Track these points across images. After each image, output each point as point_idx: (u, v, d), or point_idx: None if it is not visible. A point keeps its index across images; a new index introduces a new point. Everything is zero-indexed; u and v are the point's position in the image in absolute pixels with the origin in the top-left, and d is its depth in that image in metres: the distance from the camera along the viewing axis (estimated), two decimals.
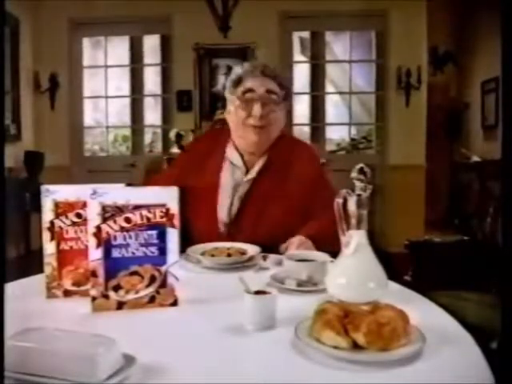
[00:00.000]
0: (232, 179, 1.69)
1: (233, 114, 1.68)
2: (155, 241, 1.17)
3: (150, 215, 1.16)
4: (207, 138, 1.99)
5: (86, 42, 5.75)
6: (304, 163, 1.71)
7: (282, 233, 1.55)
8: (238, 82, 1.68)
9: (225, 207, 1.67)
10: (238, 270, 1.47)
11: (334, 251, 1.22)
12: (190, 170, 1.73)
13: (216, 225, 1.67)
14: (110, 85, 5.83)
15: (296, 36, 5.74)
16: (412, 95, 5.34)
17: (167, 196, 1.18)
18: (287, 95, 1.69)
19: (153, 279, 1.16)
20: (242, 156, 1.69)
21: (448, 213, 6.03)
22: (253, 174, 1.68)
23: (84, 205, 1.20)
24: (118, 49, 5.89)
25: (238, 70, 1.70)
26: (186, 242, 1.49)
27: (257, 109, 1.61)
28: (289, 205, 1.65)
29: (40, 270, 1.27)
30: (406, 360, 0.88)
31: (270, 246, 1.54)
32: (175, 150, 5.21)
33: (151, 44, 5.84)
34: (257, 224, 1.64)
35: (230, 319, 1.07)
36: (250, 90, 1.64)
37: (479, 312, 1.85)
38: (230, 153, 1.70)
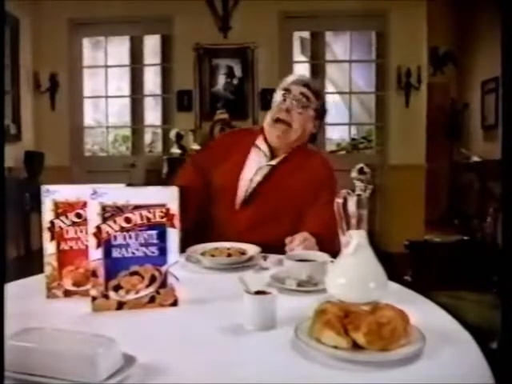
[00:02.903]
0: (256, 163, 1.93)
1: (271, 110, 1.99)
2: (155, 241, 1.17)
3: (150, 215, 1.16)
4: (234, 133, 2.46)
5: (86, 42, 5.73)
6: (316, 165, 1.95)
7: (286, 211, 1.82)
8: (285, 88, 1.98)
9: (244, 187, 1.89)
10: (237, 270, 1.47)
11: (334, 251, 1.22)
12: (216, 157, 1.98)
13: (234, 202, 1.88)
14: (110, 85, 5.82)
15: (296, 36, 5.74)
16: (412, 95, 5.33)
17: (167, 196, 1.18)
18: (320, 106, 1.97)
19: (153, 279, 1.17)
20: (269, 147, 1.95)
21: (448, 213, 6.04)
22: (274, 162, 1.92)
23: (84, 205, 1.20)
24: (118, 49, 5.88)
25: (289, 78, 2.03)
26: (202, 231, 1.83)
27: (287, 103, 1.91)
28: (297, 190, 1.86)
29: (40, 270, 1.28)
30: (406, 360, 0.88)
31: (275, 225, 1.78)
32: (175, 149, 5.23)
33: (151, 44, 5.82)
34: (267, 202, 1.85)
35: (230, 319, 1.07)
36: (287, 90, 1.95)
37: (479, 312, 1.85)
38: (260, 143, 1.96)
